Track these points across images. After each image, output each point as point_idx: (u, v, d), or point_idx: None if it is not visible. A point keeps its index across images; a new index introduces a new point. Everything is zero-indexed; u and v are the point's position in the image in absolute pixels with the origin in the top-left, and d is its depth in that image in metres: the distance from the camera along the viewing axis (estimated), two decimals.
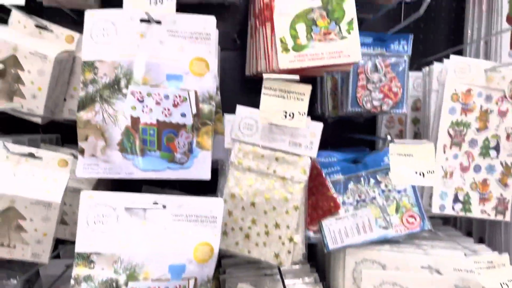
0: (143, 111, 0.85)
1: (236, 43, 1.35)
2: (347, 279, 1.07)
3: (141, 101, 0.85)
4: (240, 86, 1.37)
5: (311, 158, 0.93)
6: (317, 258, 1.27)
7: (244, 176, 0.91)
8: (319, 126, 0.92)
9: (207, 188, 1.12)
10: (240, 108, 0.92)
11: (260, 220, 0.92)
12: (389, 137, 0.85)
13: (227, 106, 1.00)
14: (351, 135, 1.27)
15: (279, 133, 0.91)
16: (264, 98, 0.83)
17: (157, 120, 0.86)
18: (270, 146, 0.92)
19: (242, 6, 1.33)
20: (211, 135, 0.92)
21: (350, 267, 1.07)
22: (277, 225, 0.91)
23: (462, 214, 1.05)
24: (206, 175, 0.89)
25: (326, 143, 1.01)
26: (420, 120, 1.19)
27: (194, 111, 0.88)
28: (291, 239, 0.91)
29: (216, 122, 0.99)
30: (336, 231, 1.05)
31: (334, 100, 1.23)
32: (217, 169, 1.10)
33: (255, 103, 0.97)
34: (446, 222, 1.34)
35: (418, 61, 1.29)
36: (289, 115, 0.84)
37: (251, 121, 0.92)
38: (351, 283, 1.07)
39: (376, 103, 1.07)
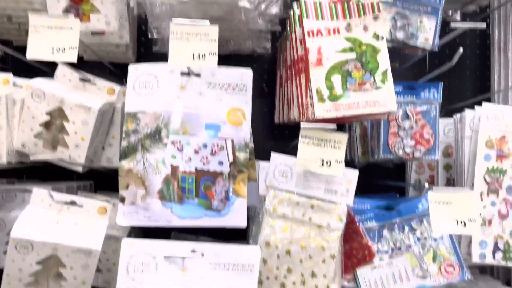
0: (182, 159, 0.87)
1: (264, 91, 1.39)
2: None
3: (181, 150, 0.87)
4: (269, 133, 1.40)
5: (347, 206, 0.93)
6: None
7: (279, 224, 0.91)
8: (355, 174, 0.92)
9: (236, 234, 1.13)
10: (274, 155, 0.94)
11: (296, 269, 0.90)
12: (426, 185, 0.85)
13: (257, 152, 1.02)
14: (382, 182, 1.27)
15: (314, 180, 0.91)
16: (301, 147, 0.84)
17: (196, 169, 0.88)
18: (305, 194, 0.92)
19: (270, 56, 1.38)
20: (246, 183, 0.93)
21: None
22: (313, 275, 0.90)
23: (503, 263, 1.02)
24: (242, 222, 0.89)
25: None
26: (453, 166, 1.18)
27: (231, 159, 0.90)
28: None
29: (250, 169, 1.01)
30: (371, 280, 1.03)
31: (364, 146, 1.24)
32: (248, 216, 1.10)
33: (285, 150, 0.99)
34: (482, 270, 1.30)
35: (445, 107, 1.30)
36: (326, 163, 0.85)
37: (285, 168, 0.93)
38: None
39: (408, 150, 1.07)
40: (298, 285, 0.91)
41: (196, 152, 0.88)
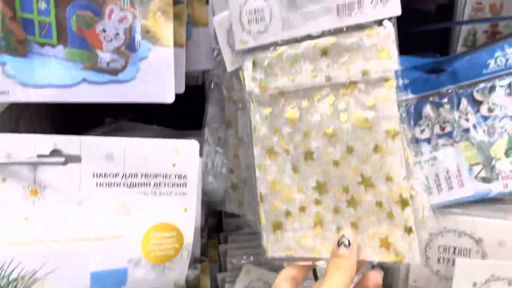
0: None
1: None
2: None
3: None
4: None
5: (392, 22, 0.46)
6: None
7: (279, 110, 0.47)
8: None
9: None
10: None
11: (332, 183, 0.47)
12: None
13: None
14: (418, 29, 0.80)
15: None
16: None
17: None
18: (306, 33, 0.45)
19: None
20: (183, 20, 0.48)
21: (420, 242, 0.66)
22: (366, 182, 0.46)
23: None
24: (167, 94, 0.45)
25: None
26: None
27: None
28: (404, 202, 0.45)
29: (193, 1, 0.55)
30: None
31: None
32: (203, 88, 0.66)
33: None
34: None
35: None
36: None
37: (257, 2, 0.45)
38: (421, 265, 0.66)
39: None
40: (346, 212, 0.46)
41: None
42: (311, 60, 0.45)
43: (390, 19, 0.45)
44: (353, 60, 0.45)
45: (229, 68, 0.51)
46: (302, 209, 0.47)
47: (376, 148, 0.45)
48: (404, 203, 0.45)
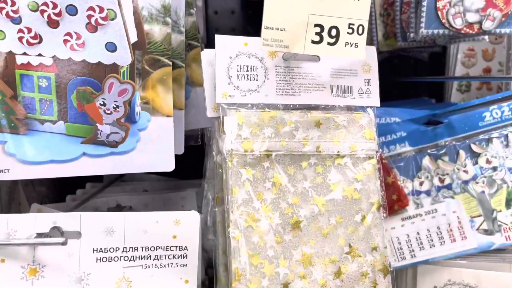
0: (21, 40, 0.41)
1: None
2: None
3: (16, 20, 0.41)
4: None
5: (373, 110, 0.49)
6: None
7: (262, 174, 0.46)
8: (372, 50, 0.47)
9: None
10: (223, 39, 0.46)
11: (319, 254, 0.46)
12: None
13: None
14: (413, 79, 0.81)
15: (308, 73, 0.46)
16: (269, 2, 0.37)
17: (55, 59, 0.42)
18: (299, 103, 0.46)
19: None
20: (182, 84, 0.49)
21: None
22: (354, 253, 0.46)
23: None
24: (166, 163, 0.45)
25: None
26: None
27: (134, 37, 0.44)
28: (386, 270, 0.47)
29: (191, 63, 0.56)
30: (402, 239, 0.63)
31: (387, 23, 0.76)
32: (203, 146, 0.66)
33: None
34: None
35: None
36: (328, 34, 0.38)
37: (250, 60, 0.46)
38: None
39: (472, 17, 0.60)
40: (330, 284, 0.46)
41: (53, 23, 0.41)
42: (304, 129, 0.46)
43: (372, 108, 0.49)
44: (343, 136, 0.47)
45: (209, 113, 0.48)
46: (285, 285, 0.44)
47: (363, 219, 0.47)
48: (386, 270, 0.47)
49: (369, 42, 0.78)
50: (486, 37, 0.72)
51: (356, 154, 0.47)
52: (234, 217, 0.44)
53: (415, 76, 0.85)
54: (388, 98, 0.89)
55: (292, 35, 0.37)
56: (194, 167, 0.67)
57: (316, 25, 0.37)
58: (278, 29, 0.37)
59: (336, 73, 0.47)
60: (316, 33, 0.38)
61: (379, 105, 0.50)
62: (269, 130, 0.45)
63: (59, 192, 0.80)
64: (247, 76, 0.45)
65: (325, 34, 0.38)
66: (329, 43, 0.38)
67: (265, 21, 0.36)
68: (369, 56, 0.48)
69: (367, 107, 0.49)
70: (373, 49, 0.49)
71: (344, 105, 0.47)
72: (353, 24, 0.38)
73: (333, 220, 0.46)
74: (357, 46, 0.38)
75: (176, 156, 0.50)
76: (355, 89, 0.48)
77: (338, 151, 0.46)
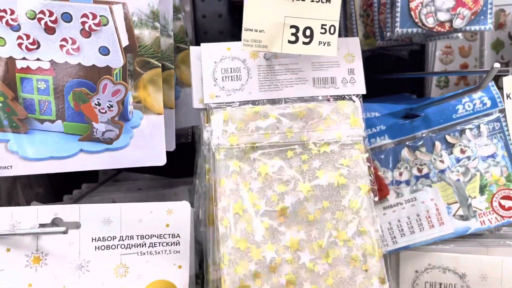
0: (21, 46, 0.44)
1: None
2: None
3: (16, 28, 0.44)
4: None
5: (359, 98, 0.52)
6: None
7: (249, 165, 0.48)
8: (354, 41, 0.51)
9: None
10: (208, 47, 0.50)
11: (307, 239, 0.47)
12: (497, 65, 0.44)
13: None
14: (395, 76, 0.85)
15: (289, 68, 0.49)
16: (250, 2, 0.41)
17: (53, 63, 0.45)
18: (282, 97, 0.50)
19: None
20: (171, 84, 0.52)
21: (407, 280, 0.69)
22: (342, 237, 0.48)
23: None
24: (158, 158, 0.49)
25: None
26: (506, 44, 0.76)
27: (126, 41, 0.47)
28: (378, 254, 0.48)
29: (180, 64, 0.60)
30: (384, 227, 0.67)
31: (367, 23, 0.80)
32: (193, 143, 0.69)
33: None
34: None
35: None
36: (303, 34, 0.42)
37: (234, 62, 0.50)
38: None
39: (443, 16, 0.64)
40: (320, 267, 0.47)
41: (50, 30, 0.45)
42: (288, 121, 0.49)
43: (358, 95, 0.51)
44: (327, 125, 0.49)
45: (196, 105, 0.51)
46: (273, 269, 0.45)
47: (351, 203, 0.48)
48: (378, 254, 0.47)
49: None
50: (460, 34, 0.76)
51: (341, 141, 0.49)
52: (222, 205, 0.46)
53: (396, 73, 0.89)
54: (371, 95, 0.94)
55: (270, 36, 0.41)
56: (186, 166, 0.70)
57: (291, 26, 0.41)
58: (257, 30, 0.41)
59: (318, 66, 0.50)
60: (292, 34, 0.41)
61: (364, 92, 0.53)
62: (253, 124, 0.48)
63: (56, 193, 0.82)
64: (231, 77, 0.48)
65: (300, 34, 0.42)
66: (304, 43, 0.42)
67: (245, 24, 0.40)
68: (352, 47, 0.52)
69: (352, 95, 0.52)
70: (356, 40, 0.52)
71: (328, 95, 0.50)
72: (325, 25, 0.42)
73: (320, 206, 0.47)
74: (330, 44, 0.42)
75: (169, 156, 0.53)
76: (338, 79, 0.50)
77: (323, 140, 0.48)
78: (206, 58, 0.48)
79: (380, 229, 0.49)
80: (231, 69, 0.48)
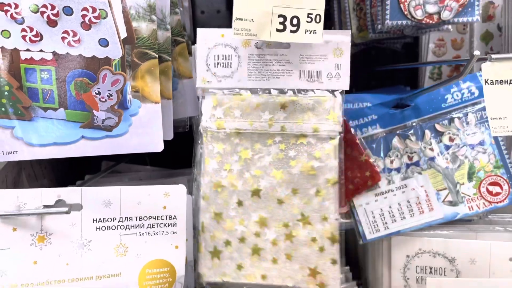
0: (24, 38, 0.47)
1: None
2: (395, 280, 0.71)
3: (20, 21, 0.47)
4: None
5: (341, 93, 0.54)
6: (348, 247, 0.91)
7: (232, 148, 0.53)
8: (346, 34, 0.52)
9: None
10: (203, 32, 0.52)
11: (274, 218, 0.54)
12: (477, 53, 0.46)
13: None
14: (387, 68, 0.87)
15: (278, 60, 0.52)
16: None
17: (55, 54, 0.48)
18: (268, 87, 0.53)
19: None
20: (169, 76, 0.54)
21: (399, 264, 0.71)
22: (305, 220, 0.54)
23: None
24: (156, 145, 0.51)
25: (349, 85, 0.63)
26: (495, 35, 0.78)
27: (124, 33, 0.50)
28: (334, 239, 0.54)
29: (178, 57, 0.62)
30: (376, 213, 0.69)
31: (360, 17, 0.82)
32: (191, 133, 0.72)
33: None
34: None
35: None
36: (290, 23, 0.45)
37: (226, 50, 0.52)
38: (402, 286, 0.71)
39: (431, 8, 0.66)
40: (282, 244, 0.54)
41: (53, 22, 0.47)
42: (271, 111, 0.52)
43: (340, 91, 0.54)
44: (307, 118, 0.53)
45: (199, 83, 0.54)
46: (242, 240, 0.53)
47: (318, 192, 0.53)
48: (334, 239, 0.53)
49: None
50: (450, 27, 0.78)
51: (318, 135, 0.52)
52: (204, 182, 0.53)
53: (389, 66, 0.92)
54: (367, 87, 0.96)
55: (259, 24, 0.44)
56: (187, 158, 0.72)
57: (279, 16, 0.44)
58: (246, 19, 0.43)
59: (306, 58, 0.52)
60: (280, 23, 0.44)
61: (348, 88, 0.55)
62: (238, 112, 0.52)
63: (60, 184, 0.85)
64: (223, 64, 0.51)
65: (287, 23, 0.44)
66: (291, 31, 0.44)
67: (235, 13, 0.42)
68: (342, 41, 0.53)
69: (335, 90, 0.54)
70: (347, 34, 0.53)
71: (311, 89, 0.53)
72: (311, 14, 0.44)
73: (290, 192, 0.53)
74: (316, 32, 0.44)
75: (170, 147, 0.56)
76: (324, 73, 0.53)
77: (301, 132, 0.52)
78: (201, 43, 0.51)
79: (339, 218, 0.55)
80: (223, 56, 0.51)
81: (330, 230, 0.53)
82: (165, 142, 0.59)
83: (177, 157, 0.83)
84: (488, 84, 0.45)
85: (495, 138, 0.67)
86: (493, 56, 0.45)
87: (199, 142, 0.53)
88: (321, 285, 0.53)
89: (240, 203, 0.53)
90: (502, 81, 0.45)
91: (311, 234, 0.53)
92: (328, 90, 0.53)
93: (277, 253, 0.53)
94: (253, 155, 0.52)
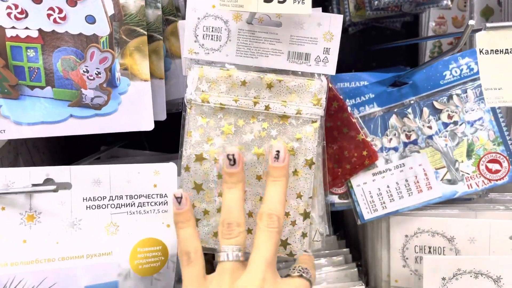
0: (9, 16, 0.46)
1: None
2: (394, 260, 0.71)
3: None
4: None
5: (327, 78, 0.54)
6: (347, 228, 0.91)
7: (215, 122, 0.52)
8: (338, 19, 0.51)
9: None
10: (193, 1, 0.51)
11: (252, 192, 0.54)
12: (471, 22, 0.45)
13: None
14: (385, 46, 0.86)
15: (268, 38, 0.51)
16: None
17: (41, 31, 0.47)
18: (255, 65, 0.52)
19: None
20: (160, 55, 0.54)
21: (397, 244, 0.71)
22: None
23: None
24: (146, 123, 0.51)
25: (349, 65, 0.62)
26: (495, 10, 0.76)
27: (111, 9, 0.49)
28: (305, 215, 0.55)
29: (170, 36, 0.61)
30: (373, 192, 0.68)
31: None
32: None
33: None
34: None
35: None
36: None
37: (216, 22, 0.51)
38: (401, 265, 0.71)
39: None
40: (255, 212, 0.55)
41: None
42: (256, 89, 0.51)
43: (326, 75, 0.54)
44: (291, 99, 0.52)
45: (185, 54, 0.52)
46: (220, 210, 0.53)
47: (295, 172, 0.54)
48: (306, 215, 0.54)
49: (342, 13, 0.83)
50: (449, 2, 0.76)
51: (301, 117, 0.52)
52: (186, 153, 0.52)
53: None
54: (367, 69, 0.94)
55: None
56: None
57: None
58: None
59: (296, 40, 0.51)
60: None
61: (334, 73, 0.54)
62: (224, 87, 0.51)
63: None
64: (211, 36, 0.50)
65: None
66: (279, 1, 0.43)
67: None
68: (334, 26, 0.52)
69: (321, 74, 0.53)
70: (339, 19, 0.52)
71: (299, 71, 0.52)
72: None
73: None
74: (304, 3, 0.43)
75: (167, 132, 0.56)
76: (312, 56, 0.52)
77: (285, 112, 0.52)
78: (190, 13, 0.50)
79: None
80: (212, 28, 0.50)
81: (303, 207, 0.54)
82: (163, 126, 0.59)
83: (176, 142, 0.83)
84: (483, 53, 0.44)
85: (495, 115, 0.66)
86: (487, 24, 0.43)
87: (183, 114, 0.53)
88: (290, 255, 0.55)
89: (220, 176, 0.53)
90: (498, 51, 0.44)
91: (285, 209, 0.54)
92: (315, 74, 0.52)
93: (252, 224, 0.55)
94: (235, 131, 0.52)
